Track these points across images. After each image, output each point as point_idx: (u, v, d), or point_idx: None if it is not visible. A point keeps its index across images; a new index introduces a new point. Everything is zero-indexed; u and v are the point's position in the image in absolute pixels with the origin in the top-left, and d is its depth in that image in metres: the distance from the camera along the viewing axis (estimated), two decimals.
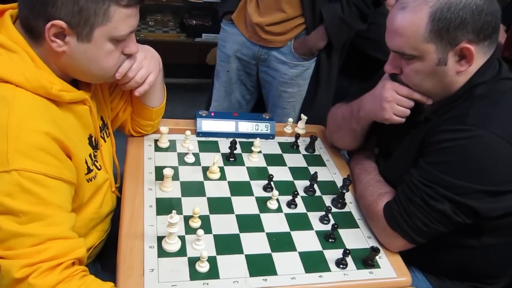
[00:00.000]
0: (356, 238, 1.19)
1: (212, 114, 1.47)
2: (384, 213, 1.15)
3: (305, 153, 1.48)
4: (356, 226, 1.23)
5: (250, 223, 1.17)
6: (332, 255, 1.12)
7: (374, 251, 1.09)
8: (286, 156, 1.44)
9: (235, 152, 1.37)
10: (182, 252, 1.05)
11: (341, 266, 1.09)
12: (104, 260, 1.22)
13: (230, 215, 1.18)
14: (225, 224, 1.15)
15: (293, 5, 1.75)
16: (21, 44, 0.90)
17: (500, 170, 1.03)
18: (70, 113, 0.99)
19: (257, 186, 1.29)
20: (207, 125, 1.45)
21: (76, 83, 1.02)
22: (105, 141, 1.16)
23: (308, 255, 1.11)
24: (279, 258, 1.09)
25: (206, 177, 1.29)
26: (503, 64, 1.14)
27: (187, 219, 1.13)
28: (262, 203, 1.24)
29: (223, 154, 1.39)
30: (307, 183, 1.32)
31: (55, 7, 0.86)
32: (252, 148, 1.39)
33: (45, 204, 0.85)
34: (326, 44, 1.81)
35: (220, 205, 1.20)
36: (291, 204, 1.24)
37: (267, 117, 1.52)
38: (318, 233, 1.18)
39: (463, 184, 1.03)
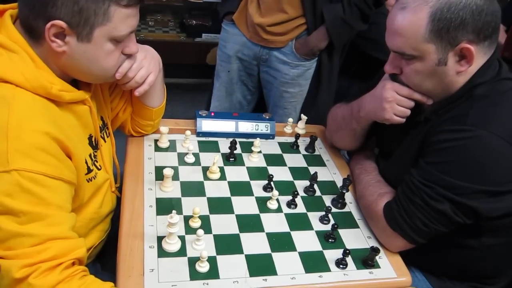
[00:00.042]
0: (356, 238, 1.19)
1: (212, 114, 1.47)
2: (384, 213, 1.16)
3: (305, 153, 1.48)
4: (356, 226, 1.23)
5: (250, 223, 1.17)
6: (332, 255, 1.12)
7: (374, 251, 1.09)
8: (286, 156, 1.44)
9: (235, 152, 1.37)
10: (182, 252, 1.05)
11: (341, 266, 1.09)
12: (104, 260, 1.22)
13: (230, 215, 1.18)
14: (225, 224, 1.15)
15: (294, 5, 1.75)
16: (21, 44, 0.90)
17: (500, 170, 1.03)
18: (70, 113, 0.99)
19: (257, 186, 1.29)
20: (207, 125, 1.45)
21: (76, 83, 1.02)
22: (105, 141, 1.16)
23: (308, 255, 1.11)
24: (279, 258, 1.09)
25: (206, 177, 1.29)
26: (503, 64, 1.14)
27: (187, 219, 1.13)
28: (262, 203, 1.24)
29: (223, 154, 1.38)
30: (307, 183, 1.32)
31: (55, 7, 0.86)
32: (252, 148, 1.39)
33: (45, 204, 0.85)
34: (327, 45, 1.81)
35: (220, 205, 1.20)
36: (291, 204, 1.24)
37: (267, 117, 1.52)
38: (318, 233, 1.18)
39: (463, 184, 1.03)
